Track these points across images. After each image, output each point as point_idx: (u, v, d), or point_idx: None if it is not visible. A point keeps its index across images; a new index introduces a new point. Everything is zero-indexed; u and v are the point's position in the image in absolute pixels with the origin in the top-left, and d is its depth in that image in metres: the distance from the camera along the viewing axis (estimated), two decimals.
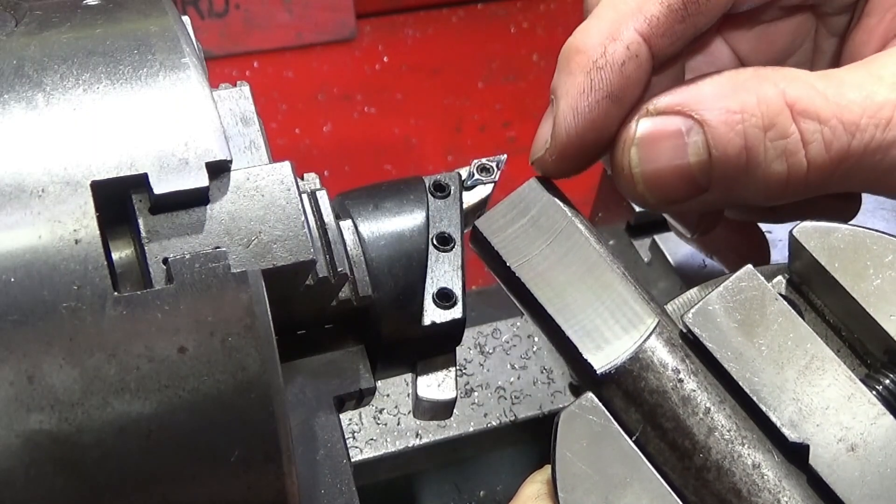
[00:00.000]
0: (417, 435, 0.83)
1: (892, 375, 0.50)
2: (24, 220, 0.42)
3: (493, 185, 0.62)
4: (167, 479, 0.43)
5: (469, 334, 0.88)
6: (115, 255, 0.46)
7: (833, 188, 0.54)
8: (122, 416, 0.41)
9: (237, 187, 0.47)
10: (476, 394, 0.86)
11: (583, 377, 0.51)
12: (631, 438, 0.49)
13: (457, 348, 0.60)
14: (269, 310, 0.44)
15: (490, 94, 1.41)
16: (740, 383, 0.49)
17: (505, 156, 0.63)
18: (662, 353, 0.50)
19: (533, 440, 0.87)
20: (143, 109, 0.46)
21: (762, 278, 0.51)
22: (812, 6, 0.64)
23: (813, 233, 0.52)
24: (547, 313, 0.52)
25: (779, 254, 0.75)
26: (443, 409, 0.60)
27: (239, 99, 0.53)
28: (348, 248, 0.55)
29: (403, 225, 0.58)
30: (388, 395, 0.84)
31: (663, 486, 0.48)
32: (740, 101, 0.52)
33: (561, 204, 0.55)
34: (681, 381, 0.49)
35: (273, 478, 0.45)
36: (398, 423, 0.83)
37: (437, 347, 0.59)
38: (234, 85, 0.54)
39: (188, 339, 0.42)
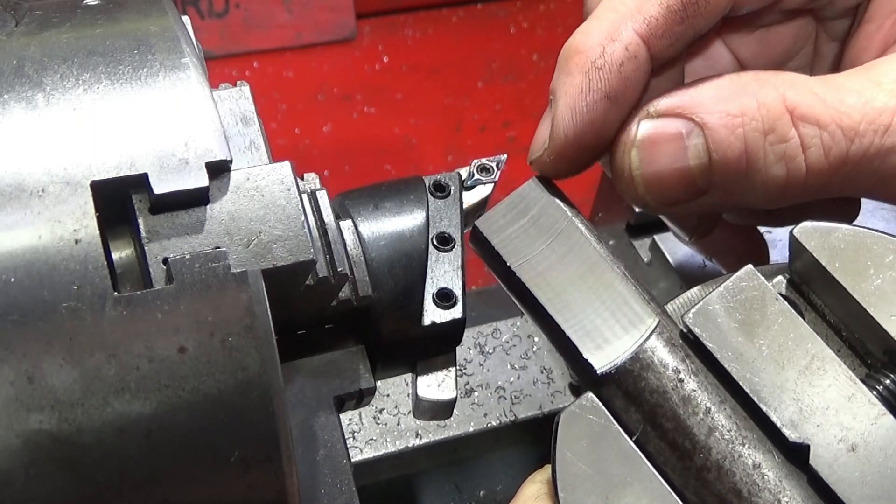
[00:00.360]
0: (417, 435, 0.83)
1: (892, 375, 0.50)
2: (24, 220, 0.42)
3: (493, 185, 0.62)
4: (167, 479, 0.43)
5: (469, 334, 0.88)
6: (115, 255, 0.46)
7: (832, 193, 0.54)
8: (122, 416, 0.41)
9: (237, 187, 0.47)
10: (476, 394, 0.86)
11: (583, 377, 0.51)
12: (631, 438, 0.49)
13: (457, 348, 0.60)
14: (269, 310, 0.44)
15: (490, 94, 1.41)
16: (741, 383, 0.49)
17: (505, 156, 0.63)
18: (663, 353, 0.50)
19: (533, 440, 0.87)
20: (143, 109, 0.46)
21: (762, 278, 0.51)
22: (812, 10, 0.64)
23: (813, 233, 0.52)
24: (547, 313, 0.52)
25: (779, 254, 0.75)
26: (443, 409, 0.60)
27: (239, 99, 0.53)
28: (348, 248, 0.55)
29: (403, 225, 0.58)
30: (388, 395, 0.84)
31: (663, 486, 0.48)
32: (741, 105, 0.52)
33: (561, 204, 0.55)
34: (681, 381, 0.49)
35: (273, 478, 0.45)
36: (398, 423, 0.83)
37: (437, 347, 0.59)
38: (234, 85, 0.54)
39: (188, 339, 0.42)
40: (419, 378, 0.60)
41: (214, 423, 0.43)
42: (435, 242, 0.58)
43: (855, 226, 0.52)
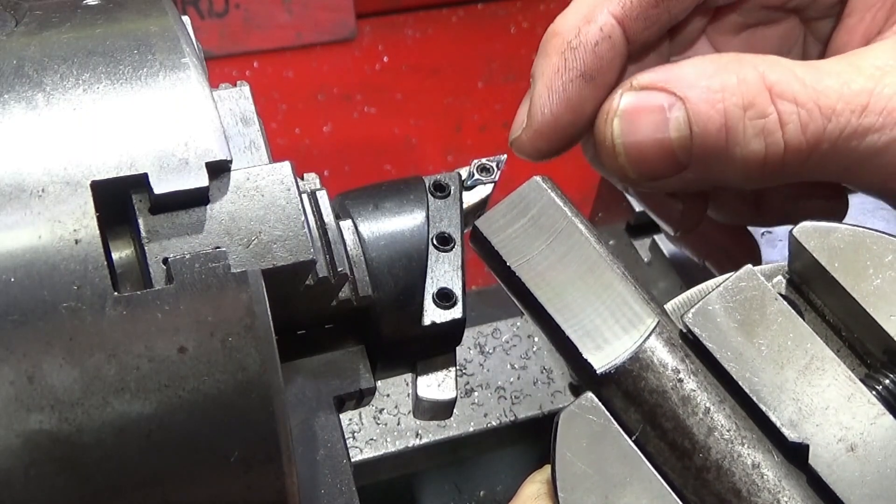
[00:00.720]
0: (417, 435, 0.83)
1: (891, 375, 0.50)
2: (24, 220, 0.42)
3: (493, 185, 0.62)
4: (167, 479, 0.43)
5: (469, 334, 0.88)
6: (115, 255, 0.46)
7: (810, 174, 0.55)
8: (122, 416, 0.41)
9: (237, 187, 0.47)
10: (476, 394, 0.86)
11: (583, 377, 0.51)
12: (631, 438, 0.49)
13: (457, 348, 0.60)
14: (269, 310, 0.44)
15: (490, 94, 1.41)
16: (740, 383, 0.49)
17: (505, 156, 0.63)
18: (662, 353, 0.50)
19: (533, 440, 0.87)
20: (143, 109, 0.46)
21: (762, 278, 0.51)
22: (796, 10, 0.65)
23: (813, 233, 0.52)
24: (547, 313, 0.52)
25: (779, 254, 0.76)
26: (443, 409, 0.60)
27: (239, 99, 0.54)
28: (348, 248, 0.55)
29: (403, 225, 0.58)
30: (388, 395, 0.84)
31: (663, 485, 0.48)
32: (721, 81, 0.53)
33: (561, 204, 0.55)
34: (680, 380, 0.49)
35: (273, 478, 0.45)
36: (398, 423, 0.83)
37: (437, 347, 0.59)
38: (234, 85, 0.54)
39: (188, 339, 0.42)
40: (419, 378, 0.60)
41: (214, 423, 0.43)
42: (435, 242, 0.58)
43: (854, 226, 0.52)
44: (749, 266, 0.51)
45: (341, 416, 0.56)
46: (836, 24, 0.63)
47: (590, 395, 0.50)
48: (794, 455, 0.48)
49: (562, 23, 0.57)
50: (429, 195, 0.60)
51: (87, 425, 0.41)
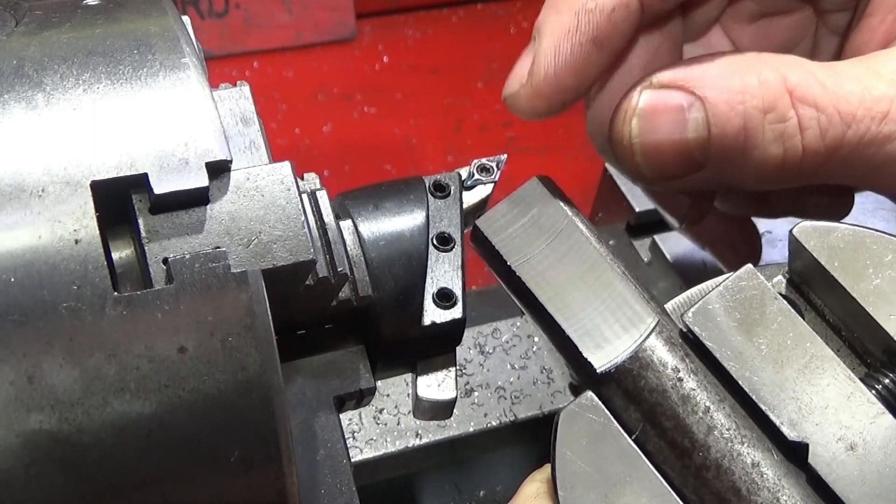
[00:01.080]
0: (417, 435, 0.83)
1: (891, 375, 0.50)
2: (24, 220, 0.42)
3: (493, 185, 0.62)
4: (167, 479, 0.43)
5: (469, 334, 0.88)
6: (115, 255, 0.46)
7: (826, 178, 0.54)
8: (121, 416, 0.41)
9: (237, 187, 0.47)
10: (476, 394, 0.86)
11: (583, 376, 0.51)
12: (630, 437, 0.49)
13: (457, 348, 0.60)
14: (269, 310, 0.44)
15: (490, 94, 1.41)
16: (740, 382, 0.49)
17: (505, 156, 0.63)
18: (662, 352, 0.50)
19: (533, 440, 0.87)
20: (143, 109, 0.46)
21: (762, 278, 0.51)
22: (812, 1, 0.65)
23: (813, 232, 0.52)
24: (547, 312, 0.52)
25: (779, 253, 0.76)
26: (443, 409, 0.60)
27: (239, 99, 0.53)
28: (348, 248, 0.55)
29: (403, 225, 0.58)
30: (388, 395, 0.84)
31: (663, 484, 0.48)
32: (742, 82, 0.52)
33: (561, 203, 0.55)
34: (680, 379, 0.49)
35: (273, 478, 0.45)
36: (398, 423, 0.83)
37: (437, 347, 0.59)
38: (234, 85, 0.54)
39: (188, 339, 0.42)
40: (419, 378, 0.60)
41: (214, 423, 0.43)
42: (435, 242, 0.58)
43: (854, 225, 0.52)
44: (749, 266, 0.51)
45: (341, 416, 0.56)
46: (853, 20, 0.63)
47: (590, 394, 0.50)
48: (794, 454, 0.48)
49: None
50: (429, 195, 0.60)
51: (87, 425, 0.41)
